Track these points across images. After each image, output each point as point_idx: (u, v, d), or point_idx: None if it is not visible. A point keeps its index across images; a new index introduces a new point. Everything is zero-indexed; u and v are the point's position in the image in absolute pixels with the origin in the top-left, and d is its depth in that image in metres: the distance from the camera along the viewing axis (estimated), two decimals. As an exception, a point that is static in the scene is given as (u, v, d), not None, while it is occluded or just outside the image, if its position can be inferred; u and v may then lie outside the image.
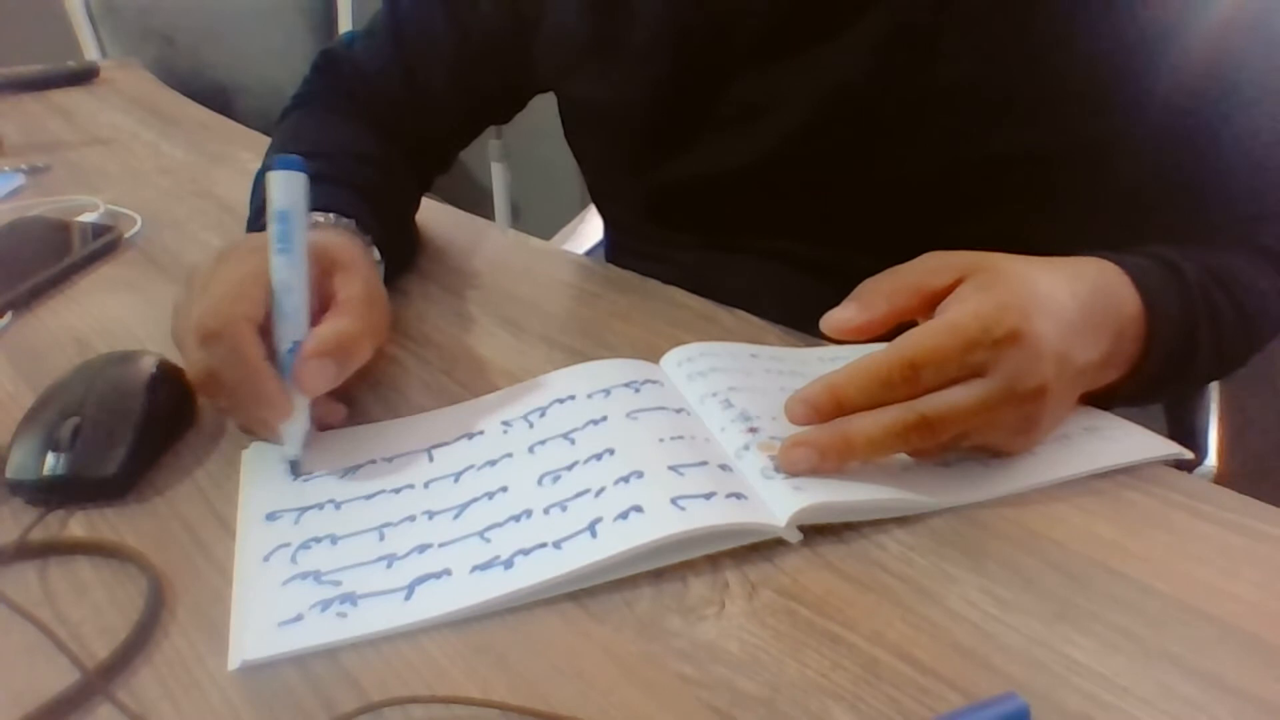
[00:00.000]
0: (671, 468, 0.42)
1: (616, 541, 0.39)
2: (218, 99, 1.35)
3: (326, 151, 0.66)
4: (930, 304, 0.45)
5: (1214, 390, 0.89)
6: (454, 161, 0.78)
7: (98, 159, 0.98)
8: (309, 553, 0.41)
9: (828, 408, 0.42)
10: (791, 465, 0.42)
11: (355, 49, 0.75)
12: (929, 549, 0.40)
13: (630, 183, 0.71)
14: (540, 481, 0.44)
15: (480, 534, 0.41)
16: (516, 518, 0.42)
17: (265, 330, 0.45)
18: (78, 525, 0.43)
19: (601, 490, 0.42)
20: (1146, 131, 0.56)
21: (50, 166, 0.95)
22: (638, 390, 0.49)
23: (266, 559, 0.40)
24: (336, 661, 0.36)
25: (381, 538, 0.41)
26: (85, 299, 0.66)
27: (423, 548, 0.41)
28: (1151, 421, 0.50)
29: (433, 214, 0.77)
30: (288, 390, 0.45)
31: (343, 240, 0.52)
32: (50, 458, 0.44)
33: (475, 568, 0.39)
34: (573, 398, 0.49)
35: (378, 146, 0.69)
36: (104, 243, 0.73)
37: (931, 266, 0.46)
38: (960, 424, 0.42)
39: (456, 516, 0.42)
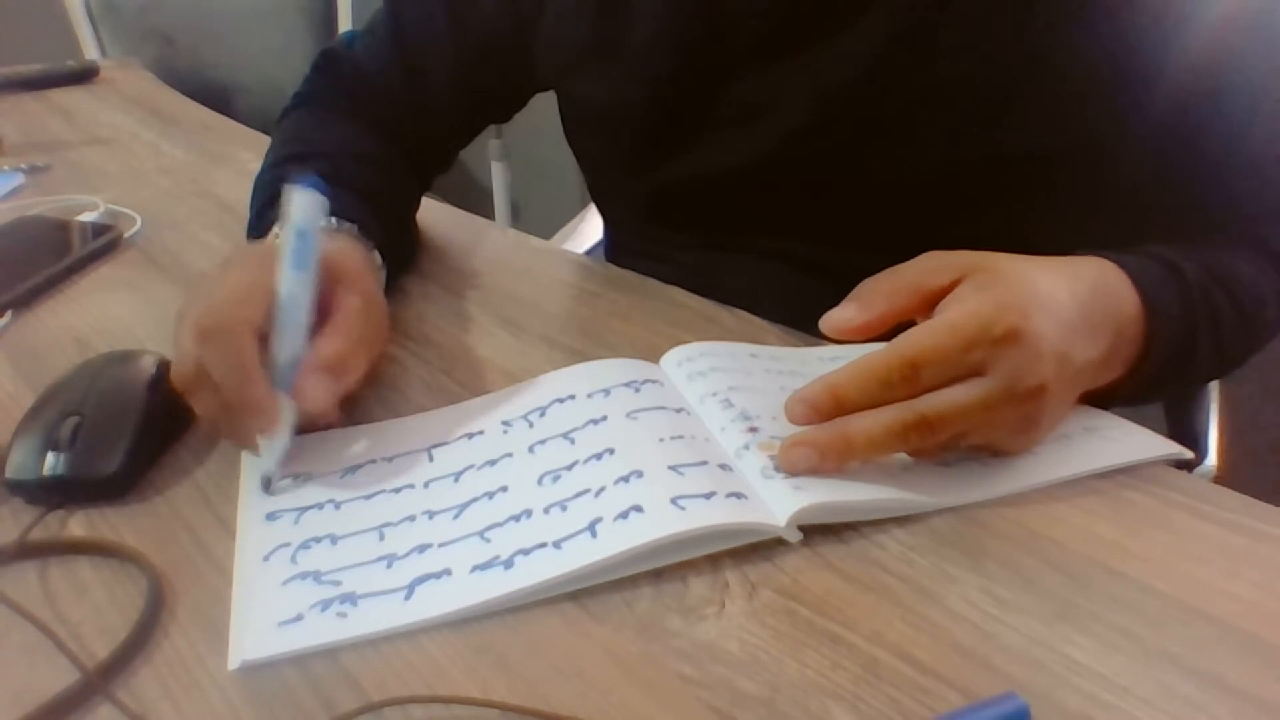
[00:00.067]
0: (671, 467, 0.42)
1: (616, 541, 0.39)
2: (218, 99, 1.34)
3: (327, 151, 0.66)
4: (929, 304, 0.45)
5: (1214, 390, 0.89)
6: (454, 161, 0.78)
7: (98, 159, 0.98)
8: (309, 553, 0.41)
9: (827, 407, 0.42)
10: (791, 465, 0.42)
11: (355, 48, 0.75)
12: (929, 549, 0.40)
13: (630, 182, 0.71)
14: (540, 481, 0.44)
15: (480, 534, 0.41)
16: (516, 517, 0.42)
17: (262, 338, 0.45)
18: (78, 525, 0.43)
19: (601, 490, 0.42)
20: (1146, 131, 0.56)
21: (50, 166, 0.95)
22: (638, 390, 0.49)
23: (266, 559, 0.40)
24: (336, 661, 0.36)
25: (381, 538, 0.41)
26: (85, 299, 0.66)
27: (423, 548, 0.41)
28: (1151, 421, 0.50)
29: (433, 214, 0.77)
30: (277, 401, 0.44)
31: (346, 249, 0.52)
32: (50, 457, 0.44)
33: (475, 568, 0.39)
34: (573, 397, 0.49)
35: (378, 146, 0.69)
36: (104, 242, 0.73)
37: (931, 266, 0.46)
38: (960, 423, 0.42)
39: (456, 516, 0.42)
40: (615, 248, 0.79)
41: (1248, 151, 0.57)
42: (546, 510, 0.42)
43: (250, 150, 0.98)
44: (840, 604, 0.38)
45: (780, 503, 0.40)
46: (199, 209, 0.82)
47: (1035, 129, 0.57)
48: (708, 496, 0.40)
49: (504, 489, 0.44)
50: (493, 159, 2.24)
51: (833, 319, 0.45)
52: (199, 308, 0.46)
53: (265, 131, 0.86)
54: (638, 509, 0.40)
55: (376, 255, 0.58)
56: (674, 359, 0.52)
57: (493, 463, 0.46)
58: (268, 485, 0.45)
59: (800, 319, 0.56)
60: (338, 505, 0.44)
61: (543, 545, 0.40)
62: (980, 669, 0.34)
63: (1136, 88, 0.55)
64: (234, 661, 0.35)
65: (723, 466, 0.43)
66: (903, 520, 0.42)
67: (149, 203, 0.82)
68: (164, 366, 0.50)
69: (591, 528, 0.40)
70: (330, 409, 0.46)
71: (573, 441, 0.46)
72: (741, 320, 0.61)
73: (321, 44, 1.18)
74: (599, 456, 0.44)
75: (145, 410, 0.47)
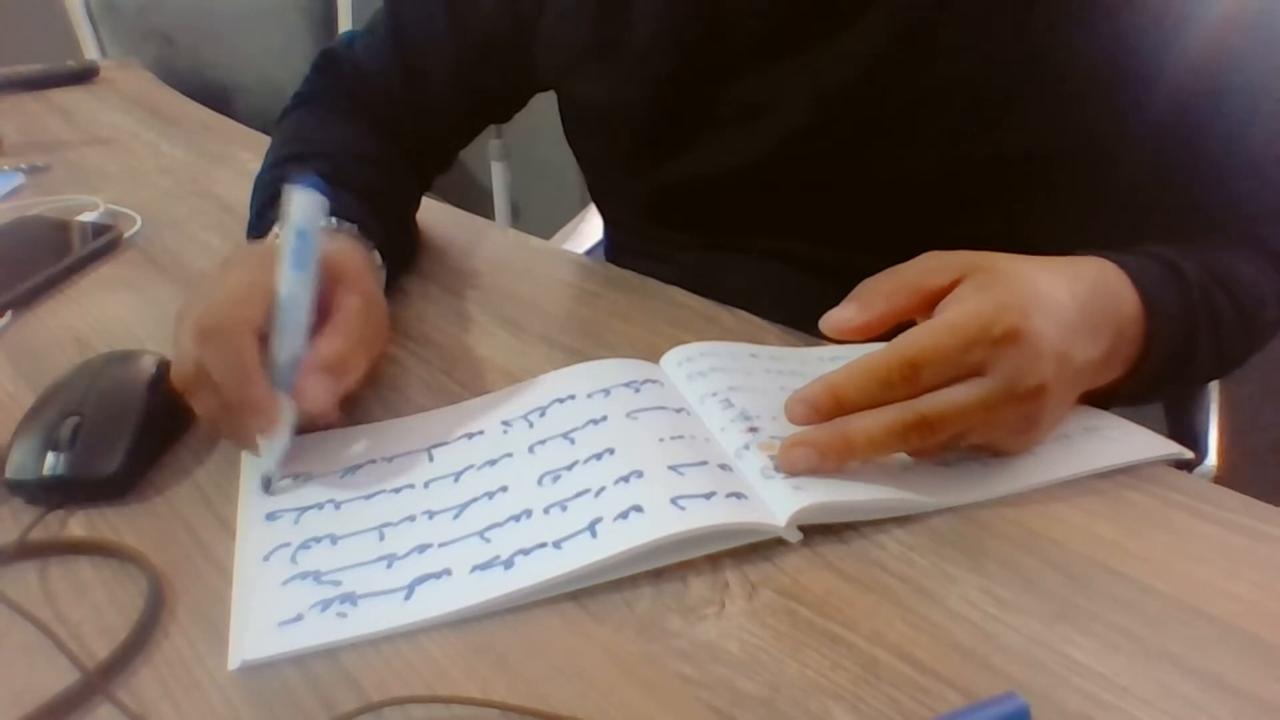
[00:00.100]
0: (671, 467, 0.42)
1: (616, 541, 0.39)
2: (218, 99, 1.35)
3: (327, 151, 0.66)
4: (929, 304, 0.45)
5: (1214, 390, 0.89)
6: (454, 161, 0.78)
7: (98, 159, 0.98)
8: (309, 553, 0.41)
9: (827, 407, 0.42)
10: (791, 465, 0.42)
11: (355, 48, 0.75)
12: (929, 549, 0.40)
13: (630, 182, 0.71)
14: (540, 481, 0.44)
15: (480, 534, 0.41)
16: (516, 517, 0.42)
17: (262, 338, 0.45)
18: (78, 525, 0.43)
19: (601, 490, 0.42)
20: (1146, 131, 0.56)
21: (50, 166, 0.95)
22: (638, 390, 0.49)
23: (266, 559, 0.40)
24: (336, 661, 0.36)
25: (381, 538, 0.41)
26: (85, 299, 0.66)
27: (423, 548, 0.41)
28: (1151, 421, 0.50)
29: (433, 214, 0.77)
30: (277, 401, 0.44)
31: (346, 249, 0.52)
32: (50, 457, 0.44)
33: (475, 567, 0.39)
34: (573, 397, 0.49)
35: (378, 146, 0.69)
36: (104, 242, 0.73)
37: (931, 266, 0.46)
38: (960, 423, 0.42)
39: (456, 516, 0.42)
40: (615, 248, 0.79)
41: (1248, 151, 0.57)
42: (546, 510, 0.42)
43: (250, 150, 0.98)
44: (840, 604, 0.38)
45: (780, 503, 0.40)
46: (199, 209, 0.82)
47: (1035, 129, 0.57)
48: (708, 496, 0.40)
49: (504, 489, 0.44)
50: (493, 159, 2.24)
51: (833, 319, 0.45)
52: (199, 308, 0.46)
53: (265, 131, 0.86)
54: (638, 509, 0.40)
55: (376, 255, 0.58)
56: (674, 359, 0.52)
57: (493, 463, 0.46)
58: (268, 485, 0.45)
59: (800, 319, 0.56)
60: (338, 505, 0.44)
61: (543, 545, 0.40)
62: (980, 669, 0.34)
63: (1136, 88, 0.55)
64: (234, 661, 0.35)
65: (723, 466, 0.43)
66: (903, 520, 0.42)
67: (149, 203, 0.82)
68: (164, 366, 0.50)
69: (591, 528, 0.40)
70: (330, 409, 0.46)
71: (573, 441, 0.46)
72: (741, 320, 0.61)
73: (321, 44, 1.18)
74: (599, 456, 0.44)
75: (145, 410, 0.47)
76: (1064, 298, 0.44)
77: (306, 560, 0.40)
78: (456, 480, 0.45)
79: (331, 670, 0.35)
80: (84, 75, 1.29)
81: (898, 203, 0.61)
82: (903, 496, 0.42)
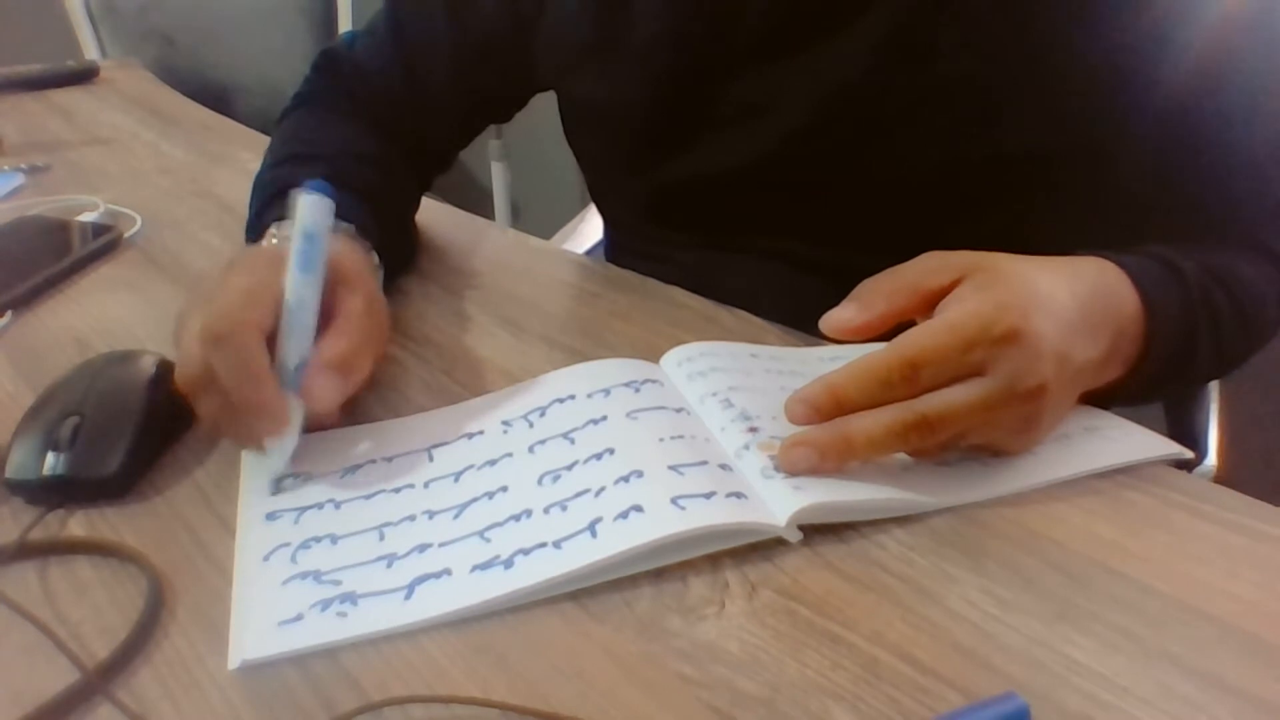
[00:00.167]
0: (671, 467, 0.42)
1: (616, 541, 0.39)
2: (218, 99, 1.35)
3: (326, 152, 0.66)
4: (929, 304, 0.45)
5: (1214, 390, 0.89)
6: (454, 161, 0.78)
7: (98, 159, 0.98)
8: (309, 552, 0.41)
9: (827, 407, 0.42)
10: (791, 465, 0.42)
11: (355, 48, 0.75)
12: (929, 549, 0.40)
13: (630, 182, 0.71)
14: (540, 481, 0.44)
15: (480, 534, 0.41)
16: (516, 517, 0.42)
17: (270, 341, 0.45)
18: (78, 525, 0.43)
19: (601, 490, 0.42)
20: (1146, 131, 0.56)
21: (50, 166, 0.95)
22: (638, 390, 0.49)
23: (266, 559, 0.40)
24: (336, 661, 0.36)
25: (381, 537, 0.41)
26: (85, 299, 0.66)
27: (423, 547, 0.41)
28: (1151, 421, 0.50)
29: (433, 214, 0.77)
30: (287, 403, 0.44)
31: (345, 250, 0.52)
32: (50, 457, 0.44)
33: (475, 567, 0.39)
34: (573, 397, 0.49)
35: (378, 146, 0.69)
36: (104, 242, 0.73)
37: (931, 266, 0.46)
38: (960, 423, 0.42)
39: (456, 516, 0.42)
40: (615, 248, 0.79)
41: (1248, 151, 0.57)
42: (546, 510, 0.42)
43: (250, 150, 0.98)
44: (840, 604, 0.38)
45: (780, 503, 0.40)
46: (199, 209, 0.82)
47: (1035, 129, 0.57)
48: (708, 496, 0.40)
49: (504, 489, 0.44)
50: (493, 159, 2.25)
51: (833, 319, 0.45)
52: (206, 311, 0.45)
53: (265, 131, 0.86)
54: (638, 509, 0.40)
55: (374, 256, 0.58)
56: (674, 359, 0.52)
57: (493, 463, 0.46)
58: (277, 486, 0.45)
59: (800, 319, 0.56)
60: (338, 505, 0.44)
61: (543, 545, 0.40)
62: (980, 669, 0.34)
63: (1136, 88, 0.55)
64: (234, 661, 0.35)
65: (723, 466, 0.43)
66: (903, 520, 0.42)
67: (149, 203, 0.82)
68: (164, 366, 0.50)
69: (591, 528, 0.40)
70: (337, 409, 0.46)
71: (573, 441, 0.46)
72: (741, 320, 0.61)
73: (321, 44, 1.18)
74: (599, 456, 0.44)
75: (145, 410, 0.47)
76: (1064, 298, 0.44)
77: (306, 560, 0.40)
78: (456, 480, 0.45)
79: (331, 670, 0.35)
80: (84, 75, 1.30)
81: (898, 203, 0.61)
82: (903, 496, 0.42)
